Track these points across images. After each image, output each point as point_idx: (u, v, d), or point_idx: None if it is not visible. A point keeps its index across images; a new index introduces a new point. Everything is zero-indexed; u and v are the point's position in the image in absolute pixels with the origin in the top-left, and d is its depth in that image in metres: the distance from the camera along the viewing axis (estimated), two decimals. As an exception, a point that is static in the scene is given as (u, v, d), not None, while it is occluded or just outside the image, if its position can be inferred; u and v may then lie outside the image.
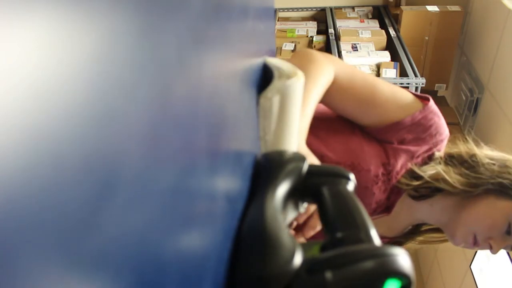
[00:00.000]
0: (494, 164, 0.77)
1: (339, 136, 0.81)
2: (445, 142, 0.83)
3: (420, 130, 0.79)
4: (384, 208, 0.85)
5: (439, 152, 0.82)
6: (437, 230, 0.89)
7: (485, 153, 0.80)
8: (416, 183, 0.79)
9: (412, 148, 0.80)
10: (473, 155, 0.80)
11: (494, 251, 0.77)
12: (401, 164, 0.80)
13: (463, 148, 0.83)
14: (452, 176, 0.77)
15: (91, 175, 0.12)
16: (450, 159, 0.81)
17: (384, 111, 0.78)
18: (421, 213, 0.84)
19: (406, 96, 0.80)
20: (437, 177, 0.78)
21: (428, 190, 0.79)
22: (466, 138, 0.84)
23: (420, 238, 0.92)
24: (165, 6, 0.18)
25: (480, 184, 0.76)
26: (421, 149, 0.80)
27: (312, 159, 0.64)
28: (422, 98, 0.81)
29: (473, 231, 0.77)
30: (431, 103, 0.80)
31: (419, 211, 0.84)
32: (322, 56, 0.77)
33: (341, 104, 0.80)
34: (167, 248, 0.17)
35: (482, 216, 0.76)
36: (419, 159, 0.81)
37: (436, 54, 2.50)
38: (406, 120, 0.78)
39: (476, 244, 0.78)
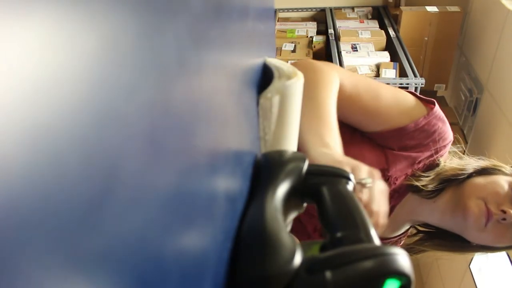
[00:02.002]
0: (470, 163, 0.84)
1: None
2: (448, 147, 0.82)
3: (423, 136, 0.78)
4: None
5: (442, 158, 0.81)
6: (436, 238, 0.89)
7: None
8: (427, 179, 0.80)
9: (413, 154, 0.79)
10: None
11: (508, 215, 0.74)
12: (400, 170, 0.79)
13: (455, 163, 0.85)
14: (455, 163, 0.81)
15: (92, 175, 0.12)
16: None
17: (387, 118, 0.77)
18: (422, 213, 0.84)
19: (410, 101, 0.79)
20: (444, 169, 0.80)
21: (440, 185, 0.80)
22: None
23: (421, 247, 0.91)
24: (165, 7, 0.18)
25: (473, 169, 0.81)
26: (423, 155, 0.80)
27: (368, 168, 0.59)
28: (427, 102, 0.79)
29: (482, 198, 0.76)
30: (436, 108, 0.79)
31: (421, 211, 0.83)
32: (325, 66, 0.76)
33: (344, 112, 0.78)
34: (167, 248, 0.17)
35: (484, 184, 0.77)
36: (421, 165, 0.80)
37: (435, 55, 2.50)
38: (409, 126, 0.77)
39: (490, 214, 0.75)
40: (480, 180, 0.79)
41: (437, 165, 0.80)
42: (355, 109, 0.78)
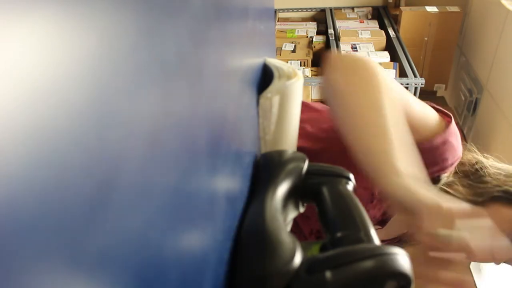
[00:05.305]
0: (500, 174, 0.75)
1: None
2: (455, 164, 0.77)
3: (436, 154, 0.73)
4: (379, 222, 0.84)
5: (446, 174, 0.77)
6: None
7: (491, 163, 0.78)
8: None
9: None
10: (479, 163, 0.77)
11: (497, 261, 0.73)
12: None
13: (468, 157, 0.79)
14: (457, 189, 0.75)
15: (93, 175, 0.12)
16: (456, 170, 0.77)
17: (413, 131, 0.68)
18: None
19: (433, 116, 0.71)
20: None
21: None
22: (471, 147, 0.80)
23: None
24: (165, 8, 0.18)
25: (486, 193, 0.74)
26: (428, 171, 0.77)
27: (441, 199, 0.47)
28: (444, 114, 0.73)
29: None
30: (453, 123, 0.73)
31: None
32: (372, 64, 0.63)
33: None
34: (168, 248, 0.17)
35: None
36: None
37: (435, 55, 2.50)
38: (424, 144, 0.70)
39: None
40: None
41: (438, 180, 0.77)
42: None
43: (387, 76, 0.62)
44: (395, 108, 0.55)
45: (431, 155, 0.74)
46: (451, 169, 0.79)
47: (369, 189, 0.76)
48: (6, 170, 0.09)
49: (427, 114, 0.73)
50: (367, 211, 0.77)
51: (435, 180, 0.77)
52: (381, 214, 0.81)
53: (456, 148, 0.76)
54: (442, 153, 0.74)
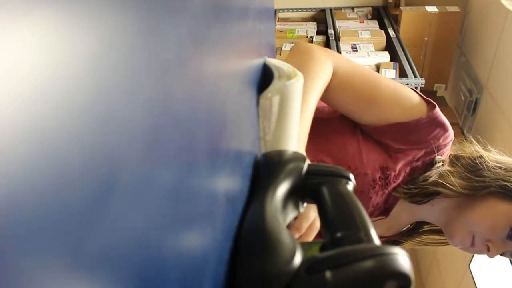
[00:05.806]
0: (500, 168, 0.75)
1: (337, 138, 0.78)
2: (449, 146, 0.80)
3: (424, 133, 0.75)
4: (382, 211, 0.85)
5: (441, 157, 0.79)
6: (436, 232, 0.88)
7: (492, 157, 0.78)
8: (414, 190, 0.77)
9: (412, 152, 0.77)
10: (479, 157, 0.77)
11: (491, 254, 0.75)
12: (399, 168, 0.78)
13: (469, 150, 0.80)
14: (453, 181, 0.75)
15: (92, 176, 0.12)
16: (454, 161, 0.79)
17: (384, 110, 0.74)
18: (422, 213, 0.83)
19: (411, 98, 0.76)
20: (436, 183, 0.76)
21: (427, 195, 0.77)
22: (472, 140, 0.81)
23: (418, 239, 0.91)
24: (165, 7, 0.18)
25: (483, 187, 0.74)
26: (421, 153, 0.77)
27: None
28: (428, 101, 0.77)
29: (473, 232, 0.76)
30: (437, 108, 0.76)
31: (420, 211, 0.82)
32: (321, 52, 0.73)
33: (339, 101, 0.76)
34: (167, 248, 0.17)
35: (483, 218, 0.74)
36: (419, 163, 0.78)
37: (435, 55, 2.50)
38: (409, 123, 0.74)
39: (473, 245, 0.76)
40: (483, 209, 0.74)
41: (435, 163, 0.79)
42: (347, 98, 0.75)
43: (326, 63, 0.72)
44: (311, 91, 0.68)
45: (419, 134, 0.75)
46: (445, 152, 0.79)
47: (370, 175, 0.77)
48: (6, 170, 0.09)
49: (404, 96, 0.76)
50: (370, 198, 0.79)
51: (431, 162, 0.78)
52: (383, 201, 0.81)
53: (447, 128, 0.76)
54: (430, 132, 0.75)
